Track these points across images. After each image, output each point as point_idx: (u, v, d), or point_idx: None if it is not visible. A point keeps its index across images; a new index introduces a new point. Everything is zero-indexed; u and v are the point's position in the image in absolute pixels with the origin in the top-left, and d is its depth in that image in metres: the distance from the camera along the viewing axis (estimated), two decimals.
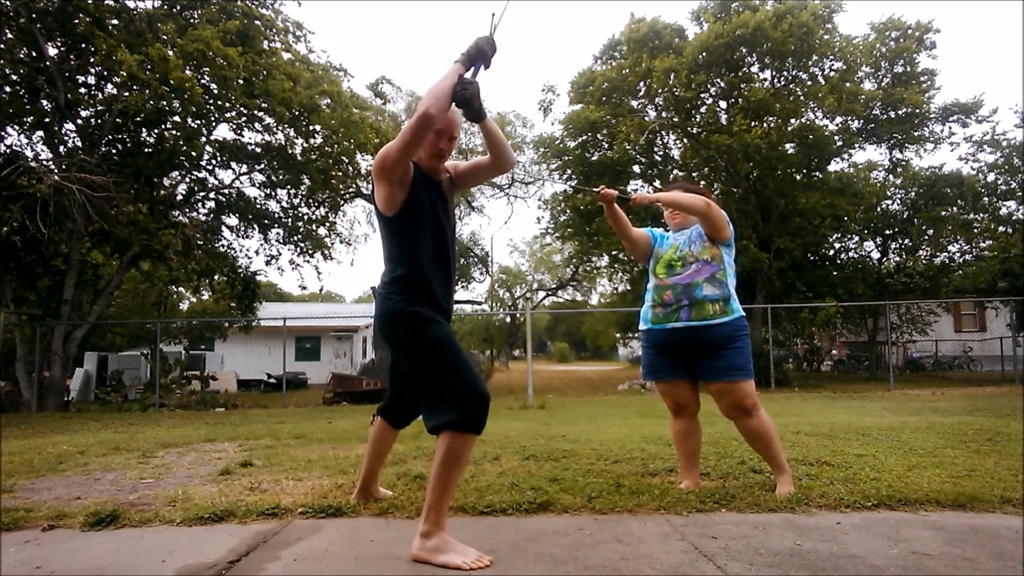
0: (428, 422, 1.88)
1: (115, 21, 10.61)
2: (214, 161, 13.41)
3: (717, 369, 2.45)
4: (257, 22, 11.75)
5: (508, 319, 32.57)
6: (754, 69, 15.31)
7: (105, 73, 11.16)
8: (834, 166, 16.54)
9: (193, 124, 11.88)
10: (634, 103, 16.19)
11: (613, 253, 18.43)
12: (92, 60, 10.48)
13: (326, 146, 13.04)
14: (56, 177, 9.48)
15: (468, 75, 1.87)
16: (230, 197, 13.89)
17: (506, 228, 73.12)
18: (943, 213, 16.08)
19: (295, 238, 14.68)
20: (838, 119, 15.36)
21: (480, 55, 1.87)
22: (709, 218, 2.47)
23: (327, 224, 15.38)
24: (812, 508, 2.26)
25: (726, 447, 3.56)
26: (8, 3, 9.77)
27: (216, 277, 14.19)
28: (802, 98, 14.59)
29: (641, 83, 15.33)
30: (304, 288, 17.44)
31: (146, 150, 11.82)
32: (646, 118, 15.74)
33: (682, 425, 2.61)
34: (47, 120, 10.89)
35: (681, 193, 2.55)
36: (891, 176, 17.28)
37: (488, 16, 1.92)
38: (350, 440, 4.55)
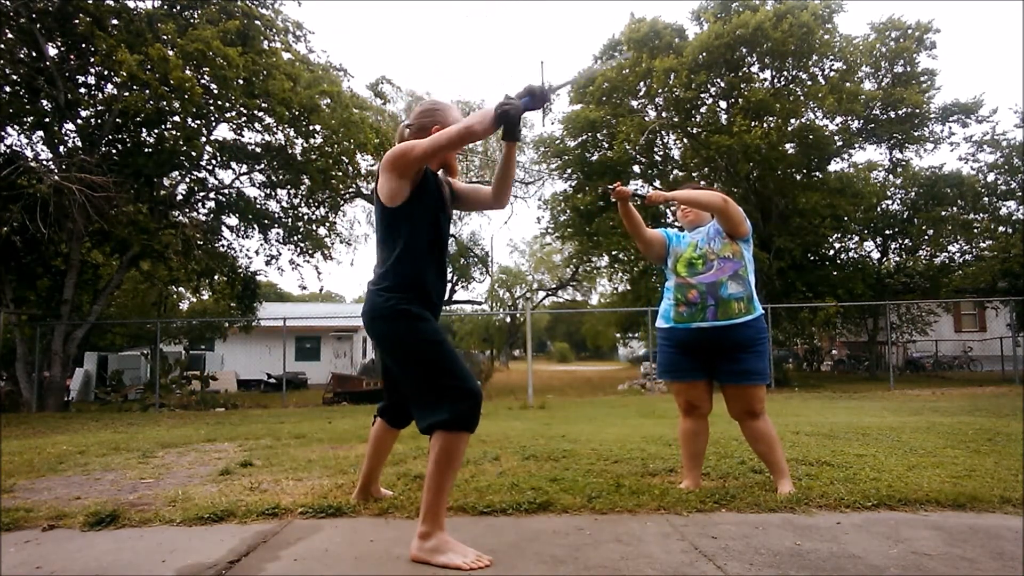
0: (420, 422, 1.87)
1: (115, 21, 10.60)
2: (214, 161, 13.40)
3: (737, 372, 2.46)
4: (257, 22, 11.74)
5: (508, 319, 32.57)
6: (754, 69, 15.31)
7: (105, 73, 11.16)
8: (834, 166, 16.55)
9: (193, 124, 11.88)
10: (634, 103, 16.19)
11: (613, 253, 18.42)
12: (92, 60, 10.47)
13: (326, 146, 13.03)
14: (56, 177, 9.48)
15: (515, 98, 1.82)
16: (230, 197, 13.89)
17: (506, 228, 73.09)
18: (943, 213, 16.08)
19: (295, 238, 14.68)
20: (838, 119, 15.36)
21: (532, 96, 1.80)
22: (726, 214, 2.45)
23: (327, 224, 15.38)
24: (812, 508, 2.26)
25: (726, 447, 3.55)
26: (8, 3, 9.77)
27: (216, 277, 14.18)
28: (802, 98, 14.60)
29: (641, 83, 15.34)
30: (304, 288, 17.46)
31: (146, 150, 11.82)
32: (646, 118, 15.74)
33: (692, 425, 2.61)
34: (47, 120, 10.89)
35: (696, 190, 2.53)
36: (891, 176, 17.28)
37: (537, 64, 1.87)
38: (350, 440, 4.55)
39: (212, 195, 13.87)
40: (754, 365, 2.44)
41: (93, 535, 2.12)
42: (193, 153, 12.18)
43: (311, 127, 12.60)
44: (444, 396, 1.82)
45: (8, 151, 10.85)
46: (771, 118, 14.37)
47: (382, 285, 1.93)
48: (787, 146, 14.97)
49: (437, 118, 2.01)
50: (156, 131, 12.02)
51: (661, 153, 17.86)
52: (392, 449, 3.69)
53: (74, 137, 11.43)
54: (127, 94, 10.40)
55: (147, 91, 10.19)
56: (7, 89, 10.43)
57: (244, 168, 13.81)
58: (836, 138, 15.38)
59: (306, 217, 14.85)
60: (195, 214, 13.66)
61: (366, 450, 2.40)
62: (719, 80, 15.01)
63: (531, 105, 1.81)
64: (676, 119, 15.77)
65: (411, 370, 1.89)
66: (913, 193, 16.98)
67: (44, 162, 10.91)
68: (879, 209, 16.92)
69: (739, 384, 2.47)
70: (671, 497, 2.36)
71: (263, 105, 11.65)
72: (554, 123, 17.85)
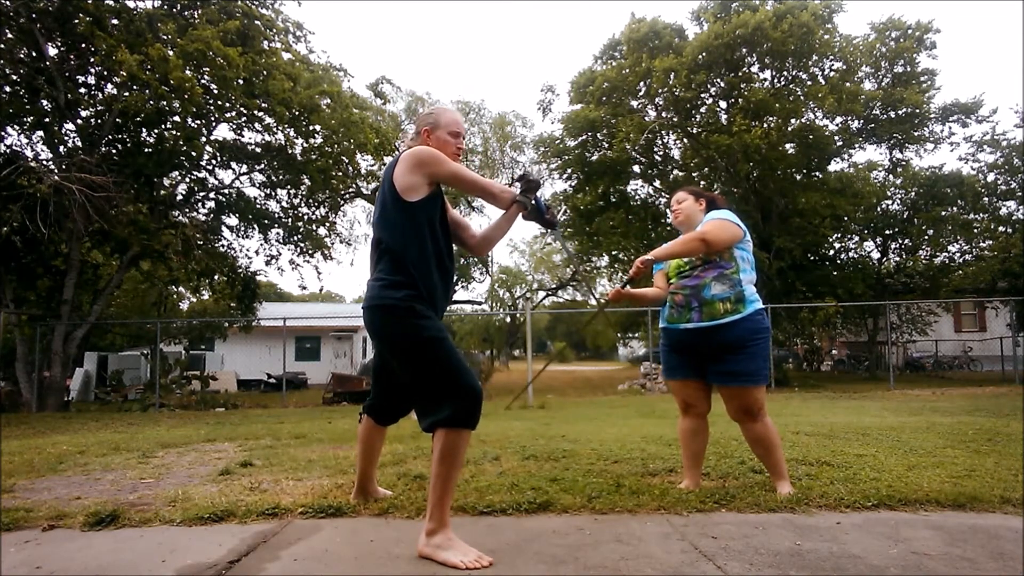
0: (422, 420, 1.89)
1: (115, 21, 10.59)
2: (214, 161, 13.41)
3: (726, 373, 2.45)
4: (257, 22, 11.74)
5: (508, 319, 32.53)
6: (754, 69, 15.31)
7: (105, 73, 11.16)
8: (834, 166, 16.56)
9: (193, 124, 11.88)
10: (634, 103, 16.19)
11: (613, 253, 18.42)
12: (92, 60, 10.47)
13: (326, 146, 13.04)
14: (56, 177, 9.47)
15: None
16: (230, 197, 13.89)
17: None
18: (943, 213, 16.08)
19: (295, 238, 14.68)
20: (838, 119, 15.36)
21: (541, 213, 2.10)
22: (712, 251, 2.45)
23: (327, 224, 15.39)
24: (812, 508, 2.26)
25: (726, 447, 3.55)
26: (8, 3, 9.76)
27: (216, 277, 14.18)
28: (802, 98, 14.59)
29: (641, 83, 15.34)
30: (304, 288, 17.48)
31: (146, 150, 11.82)
32: (646, 118, 15.74)
33: (689, 424, 2.62)
34: (47, 120, 10.89)
35: (674, 243, 2.47)
36: (891, 176, 17.29)
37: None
38: (350, 440, 4.54)
39: (212, 195, 13.87)
40: (744, 366, 2.42)
41: (93, 535, 2.12)
42: (193, 153, 12.18)
43: (311, 127, 12.60)
44: (445, 394, 1.84)
45: (8, 151, 10.84)
46: (771, 118, 14.37)
47: (385, 281, 1.93)
48: (787, 146, 14.97)
49: (428, 120, 2.16)
50: (156, 131, 12.01)
51: (661, 153, 17.85)
52: (392, 449, 3.71)
53: (74, 137, 11.42)
54: (127, 94, 10.40)
55: (147, 91, 10.19)
56: (7, 89, 10.42)
57: (244, 168, 13.82)
58: (836, 138, 15.38)
59: (306, 217, 14.86)
60: (195, 214, 13.66)
61: (357, 450, 2.41)
62: (719, 80, 15.00)
63: (539, 219, 2.11)
64: (676, 119, 15.77)
65: (413, 368, 1.91)
66: (913, 193, 16.99)
67: (44, 162, 10.90)
68: (879, 209, 16.93)
69: (727, 385, 2.47)
70: (671, 497, 2.36)
71: (263, 105, 11.65)
72: (554, 123, 17.88)
